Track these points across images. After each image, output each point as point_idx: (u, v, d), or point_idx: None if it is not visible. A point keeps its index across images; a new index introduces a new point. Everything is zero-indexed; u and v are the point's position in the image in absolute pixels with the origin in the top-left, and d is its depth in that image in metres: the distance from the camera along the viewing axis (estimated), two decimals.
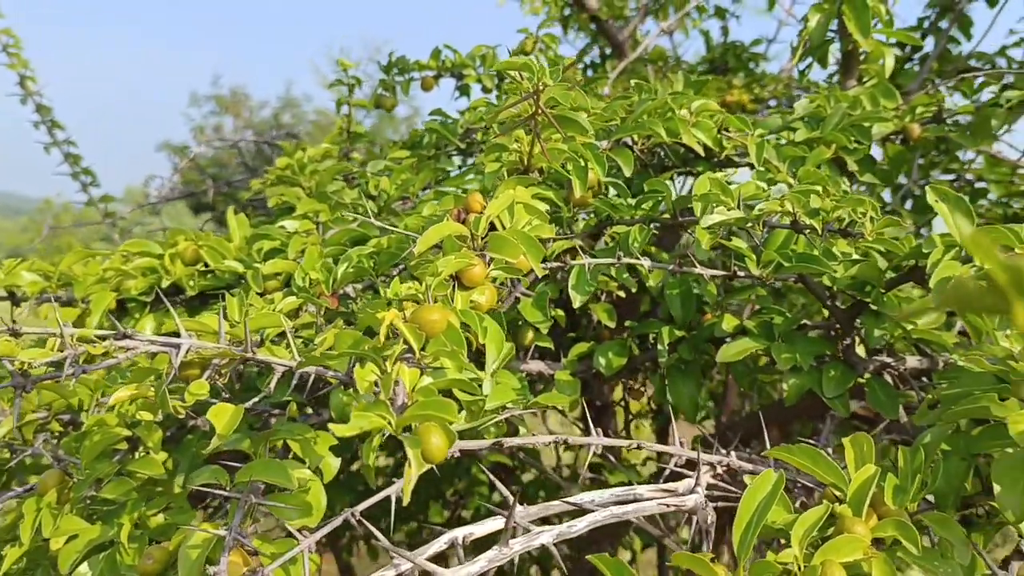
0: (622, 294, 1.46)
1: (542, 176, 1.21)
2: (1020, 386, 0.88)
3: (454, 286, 0.87)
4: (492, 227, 0.97)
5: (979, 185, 2.10)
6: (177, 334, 0.90)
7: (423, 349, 0.76)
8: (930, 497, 0.92)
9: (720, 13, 3.06)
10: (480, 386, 0.93)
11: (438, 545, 0.83)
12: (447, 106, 2.00)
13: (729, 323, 1.30)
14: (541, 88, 0.97)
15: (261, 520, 0.99)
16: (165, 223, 2.63)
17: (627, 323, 1.41)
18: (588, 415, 1.09)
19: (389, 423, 0.68)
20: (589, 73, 2.88)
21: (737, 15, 3.10)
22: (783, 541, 0.83)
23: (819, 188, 1.07)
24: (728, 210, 1.06)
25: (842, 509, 0.83)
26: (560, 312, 1.32)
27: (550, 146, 1.13)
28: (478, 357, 1.15)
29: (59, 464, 1.09)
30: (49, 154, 2.78)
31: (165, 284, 1.34)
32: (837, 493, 0.87)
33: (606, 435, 1.09)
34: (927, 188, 1.04)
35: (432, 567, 0.74)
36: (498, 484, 0.91)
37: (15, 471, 1.33)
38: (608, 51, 2.86)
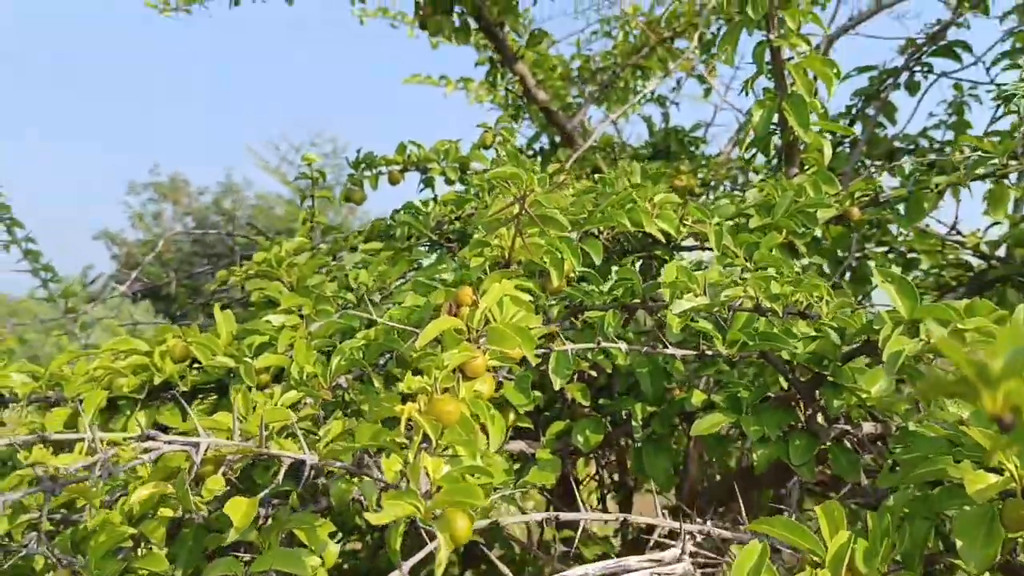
0: (594, 373, 1.54)
1: (519, 267, 1.30)
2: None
3: (459, 378, 0.94)
4: (484, 319, 1.05)
5: (911, 255, 2.26)
6: (184, 432, 0.96)
7: (439, 439, 0.83)
8: (897, 557, 1.01)
9: (660, 100, 3.25)
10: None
11: None
12: (407, 198, 2.10)
13: (698, 398, 1.40)
14: (528, 193, 1.07)
15: None
16: (134, 316, 2.65)
17: (601, 401, 1.49)
18: (575, 490, 1.16)
19: (418, 509, 0.74)
20: (538, 159, 3.02)
21: (676, 102, 3.30)
22: None
23: (777, 273, 1.17)
24: (696, 296, 1.16)
25: (822, 573, 0.91)
26: (537, 394, 1.39)
27: (529, 241, 1.23)
28: None
29: (63, 564, 1.11)
30: (8, 252, 2.80)
31: (158, 381, 1.38)
32: (815, 559, 0.95)
33: (575, 510, 1.16)
34: (875, 270, 1.16)
35: None
36: (499, 564, 0.97)
37: (8, 573, 1.33)
38: (557, 138, 3.01)
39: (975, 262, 2.18)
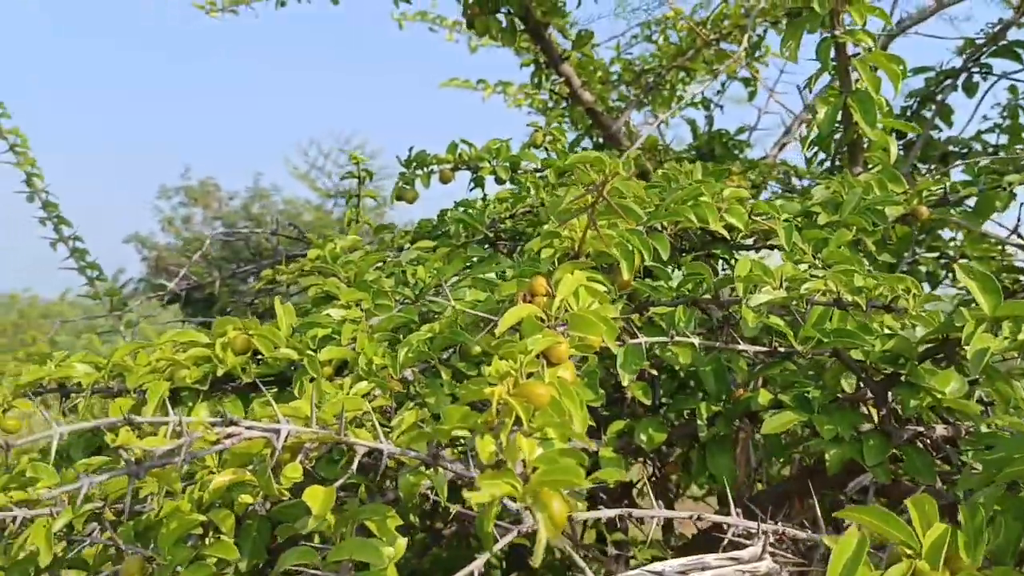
0: (654, 372, 1.52)
1: (590, 261, 1.28)
2: None
3: (543, 364, 0.93)
4: (563, 308, 1.03)
5: (962, 260, 2.22)
6: (260, 420, 0.95)
7: (531, 421, 0.81)
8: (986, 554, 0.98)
9: (704, 103, 3.22)
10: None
11: None
12: (456, 198, 2.09)
13: (764, 398, 1.37)
14: (611, 178, 1.05)
15: None
16: (170, 317, 2.66)
17: (663, 399, 1.47)
18: (648, 488, 1.14)
19: (516, 488, 0.73)
20: None
21: (720, 104, 3.28)
22: None
23: (856, 268, 1.15)
24: (773, 290, 1.14)
25: (921, 564, 0.88)
26: (602, 392, 1.38)
27: (604, 233, 1.21)
28: None
29: (131, 552, 1.11)
30: (56, 250, 2.82)
31: (220, 373, 1.37)
32: (908, 551, 0.92)
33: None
34: (957, 266, 1.13)
35: None
36: (579, 560, 0.96)
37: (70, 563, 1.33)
38: (601, 140, 3.00)
39: None
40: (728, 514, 1.15)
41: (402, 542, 1.07)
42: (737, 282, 1.19)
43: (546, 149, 2.17)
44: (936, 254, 2.32)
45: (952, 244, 2.31)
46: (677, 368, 1.37)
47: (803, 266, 1.35)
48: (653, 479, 2.13)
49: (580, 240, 1.20)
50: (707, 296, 1.28)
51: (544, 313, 1.01)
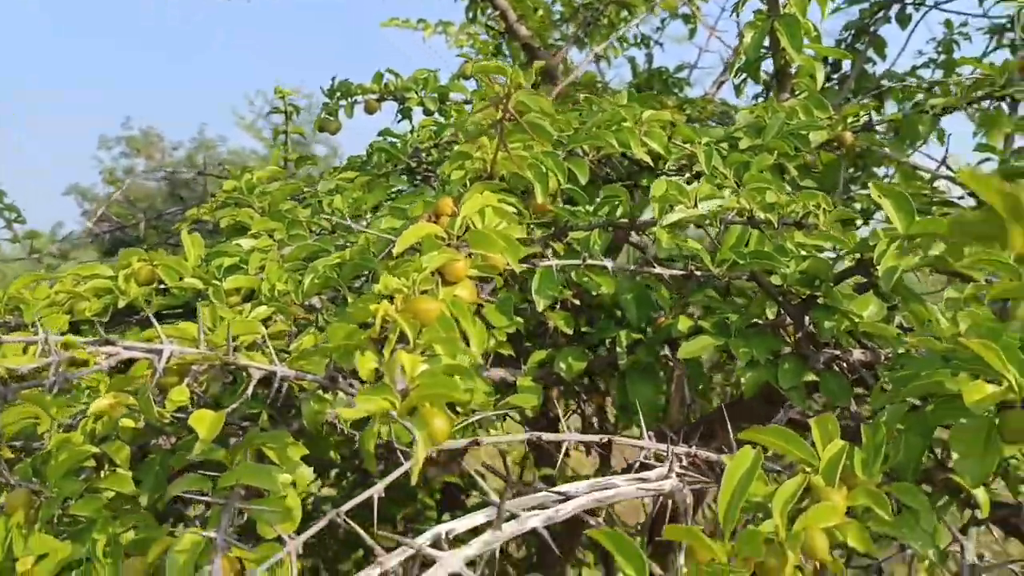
0: (577, 302, 1.49)
1: (504, 184, 1.24)
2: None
3: (438, 281, 0.89)
4: (465, 227, 0.99)
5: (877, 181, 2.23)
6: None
7: (417, 338, 0.78)
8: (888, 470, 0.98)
9: (644, 41, 3.17)
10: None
11: (424, 539, 0.84)
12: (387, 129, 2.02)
13: (684, 324, 1.35)
14: (513, 91, 1.01)
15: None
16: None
17: (583, 329, 1.45)
18: (558, 424, 1.12)
19: (394, 404, 0.69)
20: None
21: (660, 42, 3.22)
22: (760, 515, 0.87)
23: (769, 185, 1.13)
24: (687, 208, 1.11)
25: (816, 480, 0.87)
26: (519, 319, 1.35)
27: (516, 153, 1.17)
28: None
29: (20, 485, 1.06)
30: None
31: (122, 304, 1.32)
32: (808, 469, 0.92)
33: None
34: (871, 185, 1.12)
35: (431, 551, 0.75)
36: (482, 483, 0.93)
37: None
38: (539, 78, 2.93)
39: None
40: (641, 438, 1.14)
41: (306, 472, 1.04)
42: (653, 202, 1.16)
43: (476, 81, 2.10)
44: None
45: (886, 181, 2.32)
46: (596, 294, 1.34)
47: (727, 191, 1.33)
48: (594, 416, 2.13)
49: (491, 161, 1.16)
50: (624, 220, 1.25)
51: (446, 232, 0.97)
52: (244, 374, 0.98)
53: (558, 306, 1.53)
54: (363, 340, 0.77)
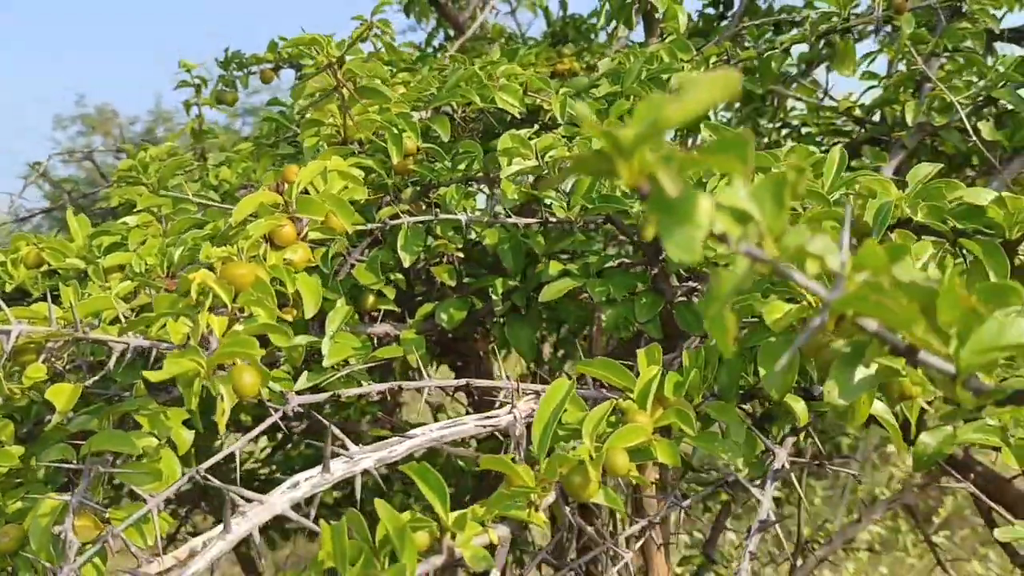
0: (460, 255, 1.55)
1: (363, 148, 1.29)
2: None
3: (266, 248, 0.95)
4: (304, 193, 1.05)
5: (804, 130, 2.30)
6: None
7: (235, 301, 0.84)
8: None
9: None
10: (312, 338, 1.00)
11: (283, 487, 0.91)
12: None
13: (554, 268, 1.42)
14: (335, 61, 1.05)
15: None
16: None
17: (465, 280, 1.51)
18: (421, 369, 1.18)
19: (201, 365, 0.76)
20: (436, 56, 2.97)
21: None
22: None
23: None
24: (526, 160, 1.17)
25: (627, 404, 0.95)
26: (400, 276, 1.41)
27: (365, 117, 1.22)
28: (320, 326, 1.24)
29: None
30: None
31: (9, 289, 1.36)
32: (630, 395, 0.99)
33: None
34: (701, 126, 1.18)
35: (261, 497, 0.82)
36: (336, 432, 1.00)
37: None
38: (452, 33, 2.95)
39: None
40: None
41: (186, 435, 1.09)
42: (499, 155, 1.22)
43: (372, 43, 2.13)
44: (780, 124, 2.41)
45: (793, 113, 2.39)
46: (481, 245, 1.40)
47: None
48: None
49: (342, 127, 1.21)
50: (480, 174, 1.31)
51: (284, 200, 1.02)
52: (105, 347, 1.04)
53: (443, 260, 1.60)
54: (181, 308, 0.82)
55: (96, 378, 1.03)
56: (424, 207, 1.34)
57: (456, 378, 1.28)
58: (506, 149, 1.21)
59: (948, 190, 1.01)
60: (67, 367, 1.09)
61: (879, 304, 0.50)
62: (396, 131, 1.24)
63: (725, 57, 1.58)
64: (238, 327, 0.81)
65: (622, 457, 0.87)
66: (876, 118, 2.03)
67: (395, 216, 1.27)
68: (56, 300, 1.41)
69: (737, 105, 2.11)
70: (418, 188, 1.39)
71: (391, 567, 0.70)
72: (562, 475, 0.86)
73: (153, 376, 0.74)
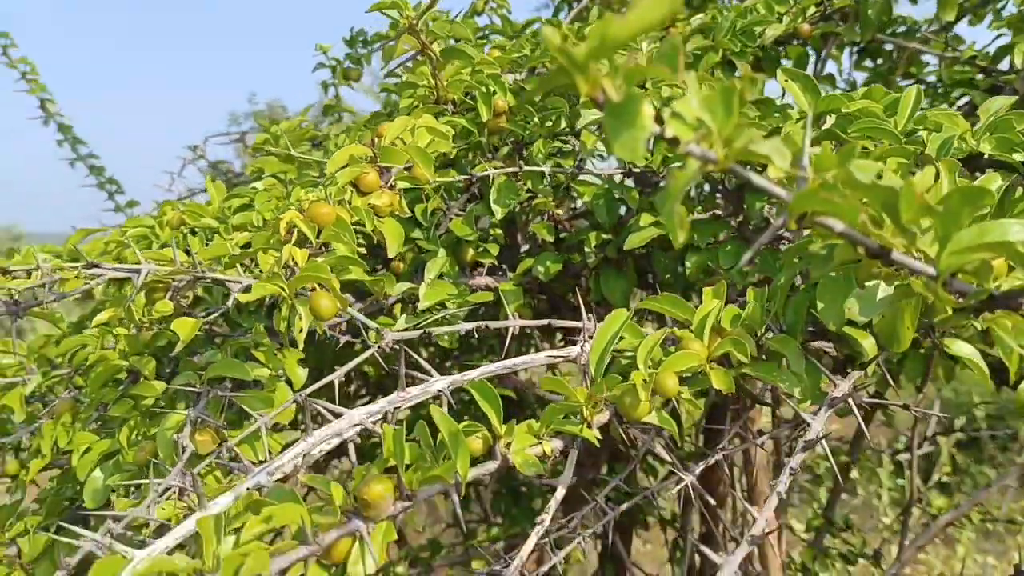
0: (559, 212, 1.62)
1: (456, 108, 1.38)
2: None
3: (352, 192, 1.05)
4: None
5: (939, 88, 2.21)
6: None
7: (318, 237, 0.95)
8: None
9: None
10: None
11: (380, 405, 1.01)
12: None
13: (646, 220, 1.46)
14: (416, 24, 1.14)
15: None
16: None
17: (562, 235, 1.58)
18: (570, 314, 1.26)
19: (283, 289, 0.86)
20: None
21: None
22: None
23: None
24: (600, 111, 1.22)
25: (683, 333, 0.99)
26: (499, 232, 1.49)
27: (456, 78, 1.31)
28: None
29: (64, 397, 1.30)
30: (74, 167, 3.04)
31: (155, 247, 1.54)
32: (690, 327, 1.03)
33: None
34: (780, 70, 1.20)
35: (334, 407, 0.92)
36: (420, 361, 1.09)
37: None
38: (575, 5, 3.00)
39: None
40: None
41: (301, 372, 1.22)
42: (580, 107, 1.28)
43: (488, 16, 2.22)
44: (912, 80, 2.33)
45: (928, 69, 2.32)
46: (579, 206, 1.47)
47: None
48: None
49: (435, 88, 1.30)
50: (567, 128, 1.37)
51: (372, 152, 1.12)
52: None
53: (545, 218, 1.67)
54: (270, 242, 0.94)
55: (218, 314, 1.17)
56: (519, 163, 1.41)
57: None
58: (586, 102, 1.26)
59: (1018, 121, 0.99)
60: (193, 308, 1.24)
61: (827, 200, 0.54)
62: (486, 91, 1.32)
63: (823, 9, 1.57)
64: (320, 259, 0.92)
65: (672, 380, 0.92)
66: (1003, 66, 1.94)
67: (484, 171, 1.36)
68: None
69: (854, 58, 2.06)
70: (513, 145, 1.46)
71: (444, 464, 0.78)
72: (615, 396, 0.92)
73: (243, 297, 0.85)
